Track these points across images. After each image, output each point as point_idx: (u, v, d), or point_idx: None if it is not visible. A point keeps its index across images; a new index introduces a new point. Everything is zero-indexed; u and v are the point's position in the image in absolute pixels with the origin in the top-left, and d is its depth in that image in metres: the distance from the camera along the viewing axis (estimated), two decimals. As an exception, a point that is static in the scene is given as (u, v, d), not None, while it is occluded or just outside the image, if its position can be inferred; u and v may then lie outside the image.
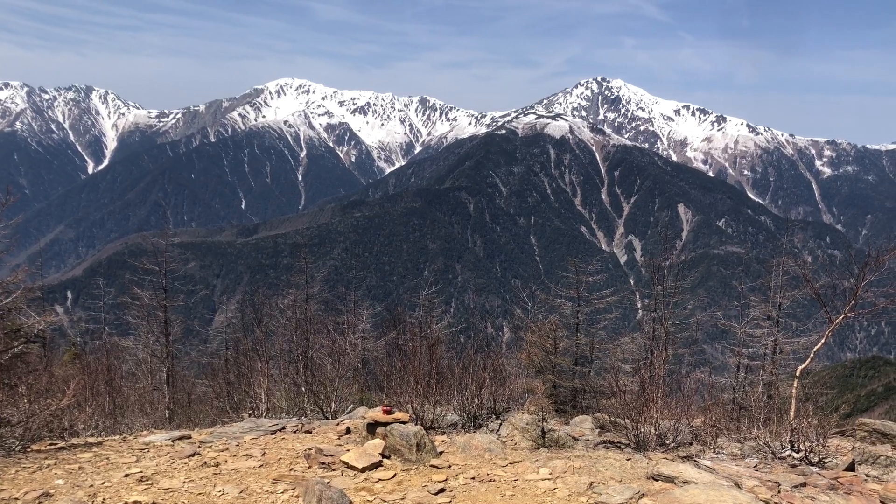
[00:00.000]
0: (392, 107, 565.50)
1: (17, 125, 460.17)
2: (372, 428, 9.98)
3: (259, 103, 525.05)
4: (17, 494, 7.55)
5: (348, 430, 11.17)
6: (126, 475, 8.47)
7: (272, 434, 11.25)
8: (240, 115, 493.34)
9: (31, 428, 10.47)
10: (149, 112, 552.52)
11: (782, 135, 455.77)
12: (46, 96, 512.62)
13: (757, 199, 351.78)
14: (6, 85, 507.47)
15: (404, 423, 9.74)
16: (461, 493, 8.05)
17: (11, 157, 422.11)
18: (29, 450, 9.99)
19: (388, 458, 9.17)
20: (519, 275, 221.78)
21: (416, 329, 25.42)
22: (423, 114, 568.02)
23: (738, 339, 21.17)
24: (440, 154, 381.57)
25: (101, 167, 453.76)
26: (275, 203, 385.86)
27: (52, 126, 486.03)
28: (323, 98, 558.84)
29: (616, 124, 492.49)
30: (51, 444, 10.90)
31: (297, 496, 7.76)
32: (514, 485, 8.25)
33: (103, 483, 8.13)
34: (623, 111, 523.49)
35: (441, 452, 9.56)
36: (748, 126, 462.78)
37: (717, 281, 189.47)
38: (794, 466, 9.42)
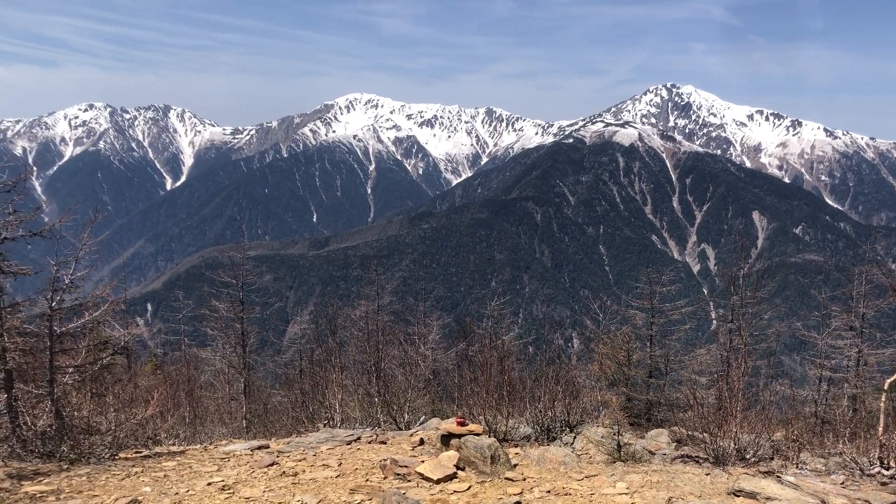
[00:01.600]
0: (458, 119, 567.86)
1: (101, 144, 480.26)
2: (446, 439, 10.02)
3: (329, 118, 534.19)
4: (109, 500, 7.85)
5: (422, 441, 11.24)
6: (209, 484, 8.71)
7: (347, 444, 11.41)
8: (311, 130, 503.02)
9: (119, 436, 10.89)
10: (224, 129, 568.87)
11: (862, 138, 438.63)
12: (128, 116, 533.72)
13: (836, 206, 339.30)
14: (91, 106, 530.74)
15: (478, 435, 9.75)
16: (537, 506, 8.01)
17: (95, 175, 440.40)
18: (117, 457, 10.37)
19: (463, 469, 9.19)
20: (588, 285, 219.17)
21: (486, 340, 25.39)
22: (490, 125, 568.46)
23: (820, 350, 20.45)
24: (506, 164, 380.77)
25: (178, 183, 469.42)
26: (345, 216, 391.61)
27: (133, 144, 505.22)
28: (391, 112, 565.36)
29: (687, 131, 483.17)
30: (136, 453, 11.31)
31: (374, 506, 7.85)
32: (590, 499, 8.16)
33: (188, 491, 8.38)
34: (694, 117, 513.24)
35: (515, 465, 9.54)
36: (825, 130, 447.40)
37: (795, 290, 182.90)
38: (884, 484, 9.05)
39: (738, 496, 8.12)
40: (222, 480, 8.85)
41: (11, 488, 8.11)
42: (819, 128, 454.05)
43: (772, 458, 10.52)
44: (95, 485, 8.55)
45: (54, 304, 10.48)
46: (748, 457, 10.17)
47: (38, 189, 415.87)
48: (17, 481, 8.40)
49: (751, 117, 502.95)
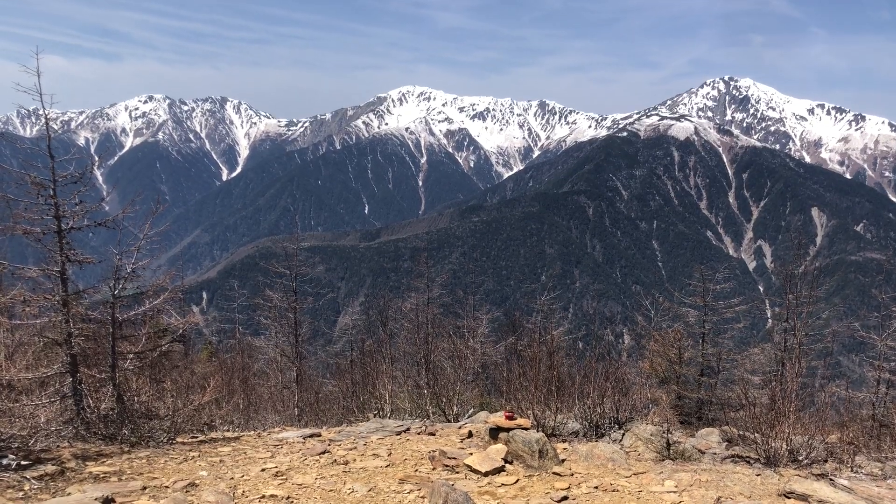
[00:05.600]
0: (511, 112, 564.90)
1: (160, 135, 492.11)
2: (494, 433, 10.09)
3: (382, 111, 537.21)
4: (168, 483, 8.14)
5: (470, 434, 11.34)
6: (262, 469, 8.95)
7: (397, 435, 11.57)
8: (364, 122, 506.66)
9: (177, 422, 11.23)
10: (278, 121, 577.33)
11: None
12: (185, 108, 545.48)
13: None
14: (150, 98, 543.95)
15: (526, 429, 9.80)
16: (584, 501, 8.03)
17: (154, 165, 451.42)
18: (174, 442, 10.71)
19: (511, 463, 9.26)
20: (640, 281, 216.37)
21: (535, 335, 25.32)
22: (542, 118, 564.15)
23: (878, 351, 19.89)
24: (559, 158, 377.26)
25: (234, 174, 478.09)
26: (396, 208, 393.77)
27: (191, 136, 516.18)
28: (443, 104, 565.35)
29: (744, 125, 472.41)
30: (193, 437, 11.65)
31: (422, 497, 7.96)
32: (638, 496, 8.16)
33: (242, 476, 8.62)
34: (752, 111, 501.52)
35: (563, 460, 9.56)
36: (890, 125, 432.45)
37: (855, 289, 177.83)
38: (942, 490, 8.82)
39: (789, 498, 8.03)
40: (276, 467, 9.08)
41: (77, 468, 8.46)
42: (883, 122, 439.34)
43: (825, 461, 10.33)
44: (155, 467, 8.86)
45: (117, 291, 10.84)
46: (801, 458, 10.01)
47: (100, 179, 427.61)
48: (81, 461, 8.76)
49: (811, 111, 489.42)
